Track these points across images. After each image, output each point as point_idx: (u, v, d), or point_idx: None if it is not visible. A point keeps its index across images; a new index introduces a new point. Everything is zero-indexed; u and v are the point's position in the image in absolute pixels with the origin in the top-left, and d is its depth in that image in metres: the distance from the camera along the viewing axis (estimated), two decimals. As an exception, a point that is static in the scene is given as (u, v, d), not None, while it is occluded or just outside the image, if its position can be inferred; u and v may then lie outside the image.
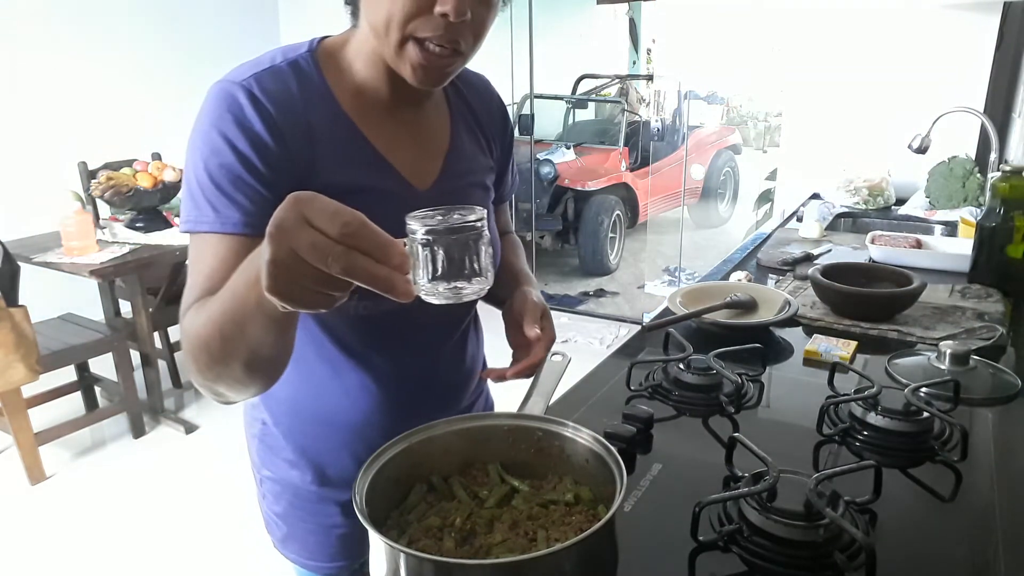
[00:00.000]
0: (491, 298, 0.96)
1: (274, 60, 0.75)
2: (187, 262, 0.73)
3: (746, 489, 0.70)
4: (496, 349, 1.01)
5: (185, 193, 0.73)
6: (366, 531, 0.57)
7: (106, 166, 3.04)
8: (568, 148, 5.30)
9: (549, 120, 5.81)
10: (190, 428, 2.88)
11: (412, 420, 0.74)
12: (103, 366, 2.84)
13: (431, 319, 0.86)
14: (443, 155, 0.86)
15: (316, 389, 0.87)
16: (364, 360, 0.85)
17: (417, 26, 0.68)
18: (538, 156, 4.95)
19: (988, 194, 1.55)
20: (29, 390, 2.50)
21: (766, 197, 4.98)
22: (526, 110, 4.65)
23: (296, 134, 0.73)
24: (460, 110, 0.90)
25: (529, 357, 0.83)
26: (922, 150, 2.09)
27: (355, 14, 0.76)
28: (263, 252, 0.47)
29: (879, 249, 1.73)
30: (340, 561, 0.96)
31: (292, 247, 0.46)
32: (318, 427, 0.89)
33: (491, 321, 0.99)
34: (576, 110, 6.07)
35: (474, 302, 0.91)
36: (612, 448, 0.67)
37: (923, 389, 0.95)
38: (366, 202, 0.74)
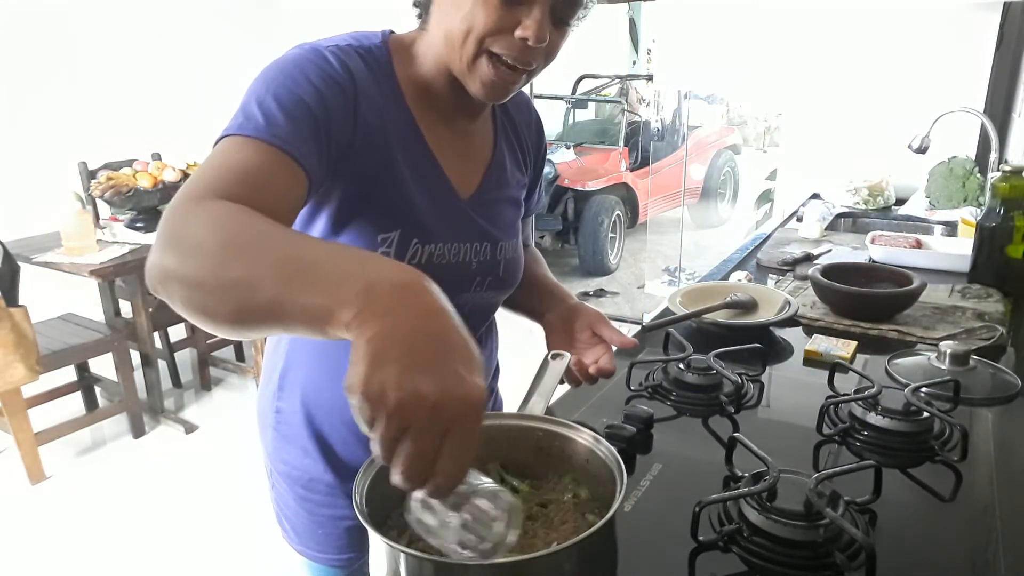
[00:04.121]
0: (522, 308, 1.01)
1: (351, 42, 0.75)
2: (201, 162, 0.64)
3: (746, 489, 0.70)
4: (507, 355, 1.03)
5: (236, 112, 0.67)
6: None
7: (106, 166, 3.04)
8: (568, 148, 5.31)
9: (549, 120, 5.81)
10: (190, 428, 2.88)
11: None
12: (103, 366, 2.84)
13: None
14: (485, 167, 0.87)
15: (336, 380, 0.86)
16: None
17: (494, 43, 0.70)
18: (538, 156, 4.94)
19: (988, 194, 1.55)
20: (29, 390, 2.50)
21: (766, 197, 4.98)
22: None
23: (367, 106, 0.73)
24: (503, 124, 0.92)
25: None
26: (922, 150, 2.09)
27: (424, 17, 0.76)
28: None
29: (879, 249, 1.73)
30: (348, 553, 0.96)
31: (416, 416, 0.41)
32: (335, 416, 0.89)
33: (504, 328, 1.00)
34: (576, 110, 6.07)
35: (495, 309, 0.94)
36: (612, 448, 0.67)
37: (923, 389, 0.95)
38: (411, 200, 0.77)
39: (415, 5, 0.77)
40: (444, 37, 0.72)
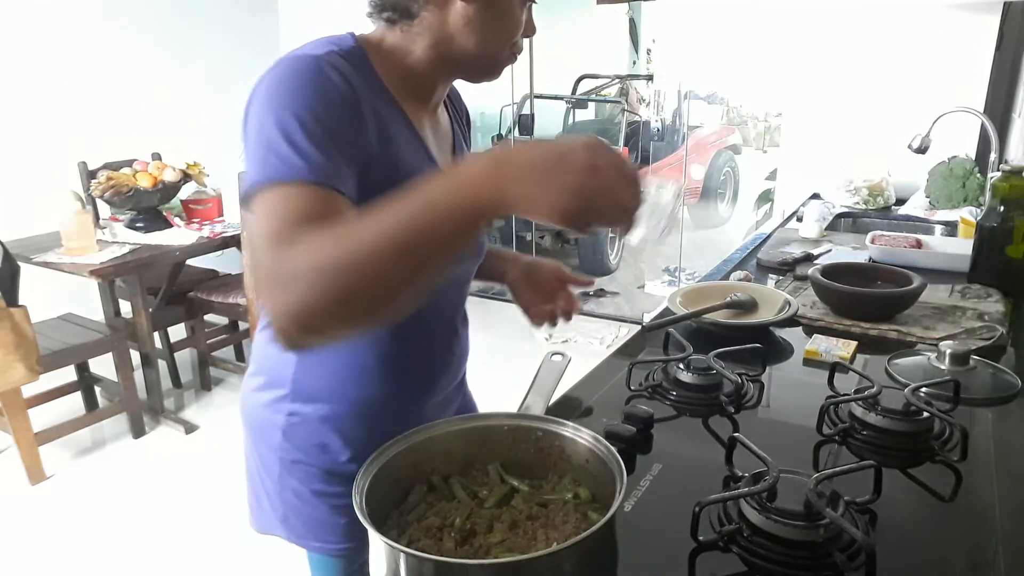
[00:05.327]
0: (484, 275, 1.11)
1: (330, 47, 0.77)
2: (254, 214, 0.67)
3: (746, 489, 0.70)
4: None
5: (260, 149, 0.68)
6: None
7: (106, 166, 3.04)
8: (568, 148, 5.29)
9: (549, 120, 5.81)
10: (190, 428, 2.88)
11: (423, 398, 0.93)
12: (103, 366, 2.84)
13: (435, 307, 0.93)
14: (450, 148, 0.96)
15: (360, 378, 0.90)
16: (379, 341, 0.89)
17: (518, 39, 0.85)
18: (538, 156, 4.93)
19: (988, 194, 1.55)
20: (29, 390, 2.50)
21: (766, 197, 4.98)
22: (526, 110, 4.65)
23: (367, 108, 0.76)
24: (452, 110, 1.00)
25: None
26: (922, 150, 2.09)
27: (406, 16, 0.81)
28: (558, 174, 0.56)
29: (879, 249, 1.73)
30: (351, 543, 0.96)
31: (605, 180, 0.58)
32: (361, 409, 0.91)
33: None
34: (576, 110, 6.06)
35: (469, 283, 1.02)
36: (612, 448, 0.67)
37: (923, 389, 0.95)
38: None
39: (388, 8, 0.81)
40: (483, 41, 0.82)
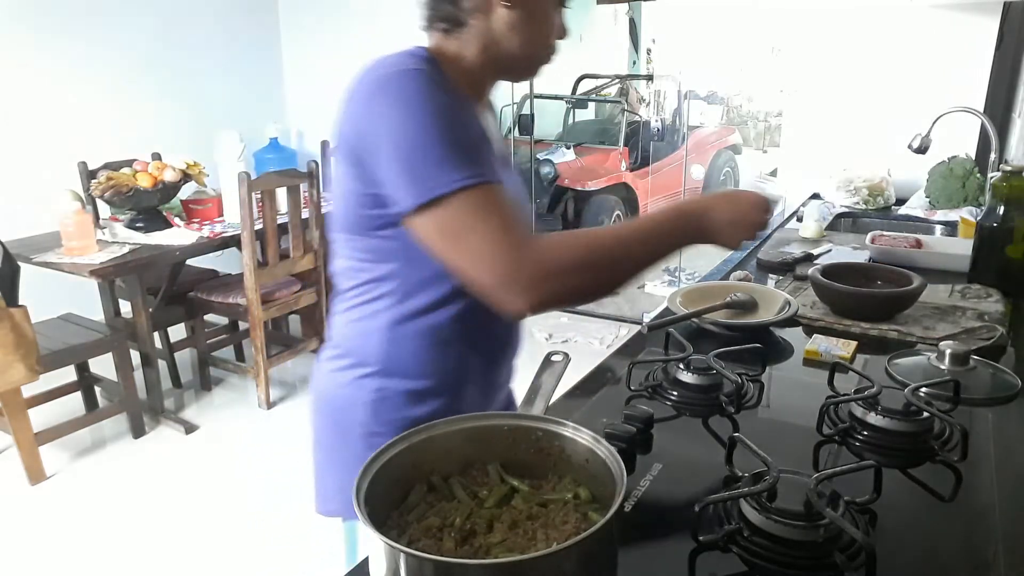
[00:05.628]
0: None
1: (417, 59, 0.84)
2: (471, 216, 0.78)
3: (746, 489, 0.70)
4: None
5: (433, 155, 0.78)
6: None
7: (106, 166, 3.04)
8: (568, 148, 5.30)
9: (549, 120, 5.81)
10: (190, 428, 2.88)
11: (495, 370, 1.04)
12: (103, 366, 2.84)
13: None
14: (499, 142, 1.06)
15: (446, 351, 0.97)
16: (463, 317, 0.96)
17: (552, 40, 0.95)
18: (538, 156, 4.94)
19: (988, 194, 1.55)
20: (29, 390, 2.50)
21: (766, 197, 4.97)
22: (526, 110, 4.65)
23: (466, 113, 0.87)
24: (490, 107, 1.08)
25: None
26: (922, 150, 2.09)
27: (458, 25, 0.90)
28: (728, 222, 0.92)
29: (879, 249, 1.73)
30: None
31: (755, 226, 0.94)
32: (444, 375, 0.97)
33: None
34: (576, 110, 6.06)
35: None
36: (612, 448, 0.67)
37: (923, 389, 0.95)
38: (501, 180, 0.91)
39: (440, 20, 0.91)
40: (529, 42, 0.92)
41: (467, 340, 0.97)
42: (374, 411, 0.96)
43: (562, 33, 0.96)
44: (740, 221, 0.92)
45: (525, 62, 0.95)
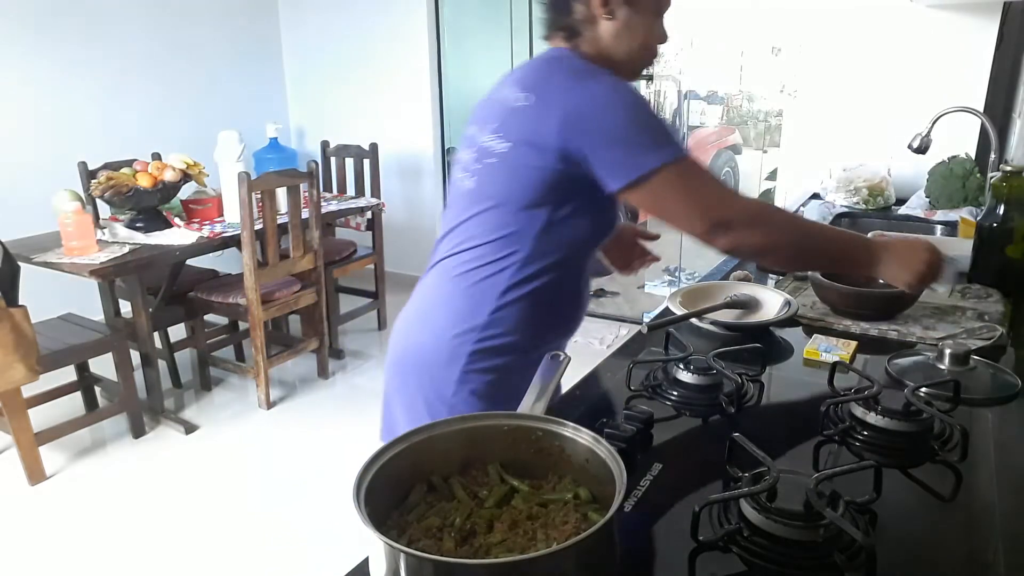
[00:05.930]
0: None
1: (599, 72, 1.01)
2: (699, 174, 0.99)
3: (746, 489, 0.70)
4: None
5: (646, 130, 0.97)
6: None
7: (106, 166, 3.04)
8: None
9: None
10: (190, 428, 2.88)
11: (571, 330, 1.23)
12: (103, 366, 2.84)
13: (590, 259, 1.19)
14: None
15: (550, 310, 1.14)
16: (560, 284, 1.12)
17: (653, 45, 1.09)
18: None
19: (988, 194, 1.55)
20: (29, 390, 2.50)
21: (766, 197, 4.98)
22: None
23: None
24: None
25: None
26: (922, 150, 2.09)
27: (575, 34, 1.06)
28: (909, 266, 1.10)
29: (879, 249, 1.72)
30: None
31: (921, 275, 1.10)
32: (540, 328, 1.13)
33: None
34: (576, 110, 6.04)
35: None
36: (612, 448, 0.67)
37: (923, 389, 0.95)
38: None
39: (559, 28, 1.07)
40: (640, 47, 1.06)
41: (562, 303, 1.14)
42: (472, 359, 1.09)
43: (662, 39, 1.08)
44: (907, 266, 1.08)
45: (630, 65, 1.07)
